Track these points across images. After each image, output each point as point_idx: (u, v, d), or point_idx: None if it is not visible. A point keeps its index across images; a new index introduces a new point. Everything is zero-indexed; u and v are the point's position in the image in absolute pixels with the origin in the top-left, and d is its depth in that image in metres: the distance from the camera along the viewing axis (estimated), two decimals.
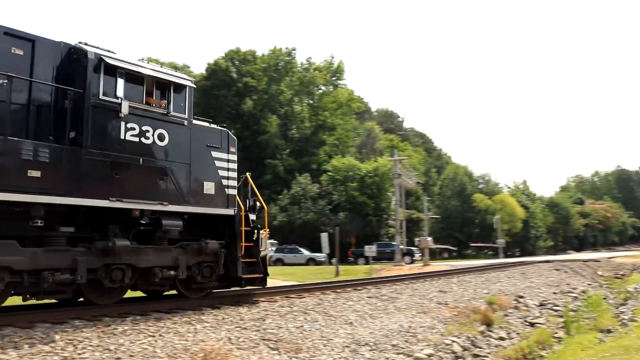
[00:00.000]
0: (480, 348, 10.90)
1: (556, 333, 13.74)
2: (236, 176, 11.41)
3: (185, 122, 10.30)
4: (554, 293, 19.31)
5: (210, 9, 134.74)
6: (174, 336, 7.82)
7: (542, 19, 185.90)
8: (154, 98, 9.90)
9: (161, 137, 9.80)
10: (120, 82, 9.28)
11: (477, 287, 16.90)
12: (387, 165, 47.27)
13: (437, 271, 21.43)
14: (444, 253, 57.46)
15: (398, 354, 9.32)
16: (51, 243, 8.35)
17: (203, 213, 10.52)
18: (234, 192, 11.26)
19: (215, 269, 10.60)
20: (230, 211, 11.00)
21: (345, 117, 55.40)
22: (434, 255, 50.44)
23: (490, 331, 12.28)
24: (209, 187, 10.64)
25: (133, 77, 9.53)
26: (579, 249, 74.06)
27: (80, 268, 8.44)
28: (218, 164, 10.90)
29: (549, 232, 72.64)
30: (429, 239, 37.73)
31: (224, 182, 10.97)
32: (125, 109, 9.09)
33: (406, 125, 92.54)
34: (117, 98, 9.13)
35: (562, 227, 75.78)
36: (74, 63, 9.14)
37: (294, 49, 53.40)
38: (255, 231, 11.67)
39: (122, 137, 9.16)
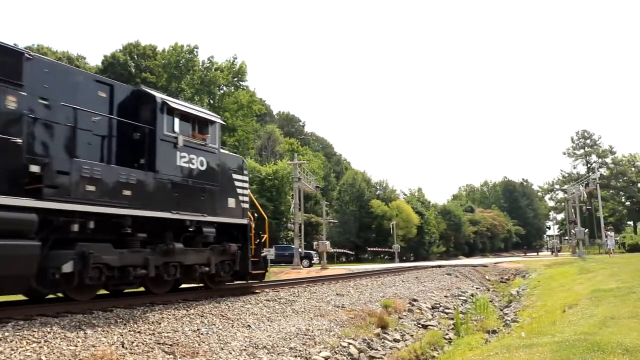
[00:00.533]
0: (376, 350, 11.12)
1: (447, 334, 14.28)
2: (248, 193, 14.46)
3: (216, 151, 13.12)
4: (446, 296, 20.10)
5: None
6: (62, 342, 7.36)
7: (443, 34, 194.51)
8: (197, 132, 12.48)
9: (201, 163, 12.50)
10: (177, 121, 11.89)
11: (373, 291, 17.26)
12: (287, 168, 47.48)
13: (335, 275, 21.75)
14: (342, 257, 58.42)
15: (296, 356, 9.33)
16: (131, 246, 10.67)
17: (227, 222, 13.33)
18: (247, 205, 14.23)
19: (232, 266, 13.54)
20: (244, 221, 13.97)
21: (246, 119, 55.14)
22: (332, 259, 51.18)
23: (386, 333, 12.56)
24: (231, 202, 13.56)
25: (184, 116, 12.16)
26: (468, 254, 77.77)
27: (150, 265, 10.93)
28: (237, 183, 13.95)
29: (442, 238, 75.71)
30: (327, 242, 38.22)
31: (240, 197, 13.96)
32: (180, 141, 11.76)
33: (307, 129, 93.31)
34: (175, 133, 11.74)
35: (453, 233, 79.21)
36: (141, 104, 11.61)
37: (196, 47, 52.44)
38: (258, 236, 14.70)
39: (177, 163, 11.75)
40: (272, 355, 9.06)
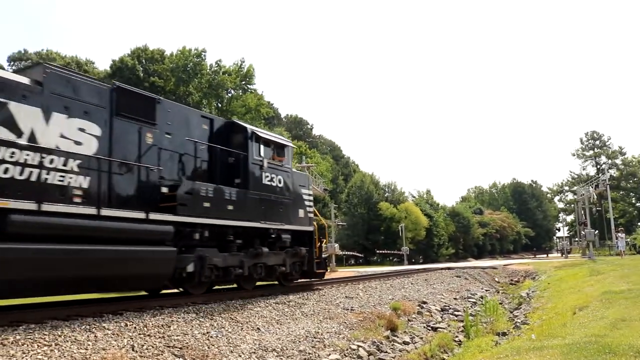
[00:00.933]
0: (386, 352, 11.11)
1: (457, 337, 14.24)
2: (312, 204, 17.15)
3: (289, 170, 15.76)
4: (455, 299, 20.04)
5: (117, 2, 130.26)
6: (72, 345, 7.41)
7: (450, 35, 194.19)
8: (275, 155, 15.08)
9: (280, 181, 15.12)
10: (262, 147, 14.49)
11: (383, 293, 17.24)
12: None
13: (344, 277, 21.72)
14: (351, 259, 58.34)
15: (305, 359, 9.34)
16: (230, 250, 13.06)
17: (298, 230, 15.88)
18: (312, 215, 16.82)
19: (302, 266, 16.13)
20: (310, 228, 16.53)
21: (254, 122, 55.20)
22: (341, 261, 51.09)
23: (395, 336, 12.55)
24: (301, 213, 16.15)
25: (267, 143, 14.80)
26: (478, 256, 77.49)
27: (245, 266, 13.34)
28: (304, 197, 16.60)
29: (451, 240, 75.48)
30: (336, 245, 38.13)
31: (307, 209, 16.60)
32: (265, 164, 14.40)
33: (315, 132, 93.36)
34: (261, 157, 14.36)
35: (462, 235, 78.96)
36: (234, 133, 14.23)
37: (204, 51, 52.51)
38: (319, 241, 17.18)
39: (263, 182, 14.38)
40: (281, 358, 9.07)
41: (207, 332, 9.35)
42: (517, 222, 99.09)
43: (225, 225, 12.84)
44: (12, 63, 43.30)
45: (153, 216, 10.84)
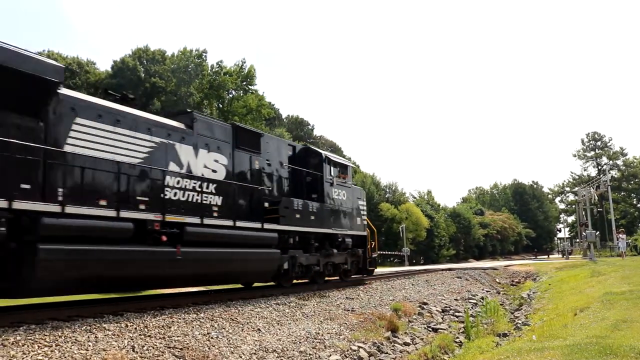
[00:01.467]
0: (386, 353, 11.10)
1: (457, 338, 14.23)
2: (366, 213, 20.86)
3: (350, 186, 19.48)
4: (456, 299, 20.03)
5: (117, 2, 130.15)
6: (73, 346, 7.40)
7: (451, 36, 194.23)
8: (340, 174, 18.61)
9: (344, 195, 18.61)
10: (332, 168, 18.09)
11: (383, 294, 17.23)
12: None
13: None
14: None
15: None
16: (310, 251, 16.32)
17: (356, 234, 19.19)
18: (365, 222, 20.38)
19: (358, 264, 19.61)
20: (365, 233, 20.00)
21: (255, 123, 55.04)
22: None
23: (396, 337, 12.54)
24: (358, 220, 19.58)
25: (335, 164, 18.50)
26: (479, 257, 77.41)
27: (320, 264, 16.80)
28: (360, 207, 20.11)
29: (452, 241, 75.38)
30: None
31: (363, 217, 20.11)
32: (334, 182, 18.01)
33: (316, 133, 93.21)
34: (331, 176, 17.95)
35: (463, 236, 78.87)
36: (310, 157, 17.78)
37: (205, 51, 52.42)
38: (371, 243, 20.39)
39: (332, 196, 17.88)
40: (282, 359, 9.06)
41: (208, 333, 9.34)
42: (518, 223, 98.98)
43: (309, 231, 16.12)
44: None
45: (267, 226, 14.19)
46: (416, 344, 12.76)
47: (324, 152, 18.12)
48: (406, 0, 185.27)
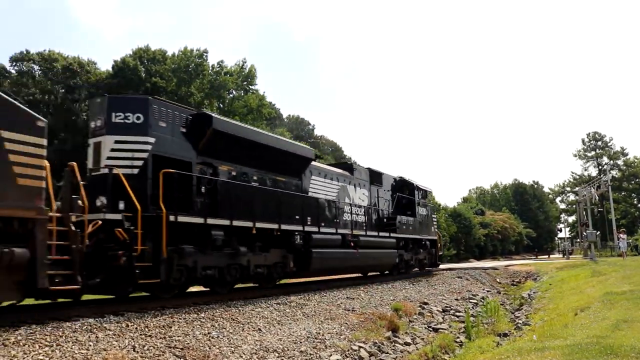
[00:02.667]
0: (387, 353, 11.11)
1: (458, 337, 14.23)
2: (437, 220, 29.96)
3: (428, 204, 27.38)
4: (456, 299, 20.04)
5: (118, 2, 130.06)
6: (74, 345, 7.40)
7: (451, 36, 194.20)
8: (423, 197, 26.31)
9: (424, 211, 26.00)
10: (419, 193, 25.60)
11: (384, 294, 17.23)
12: None
13: (345, 278, 21.64)
14: None
15: None
16: (407, 250, 23.74)
17: (430, 239, 26.66)
18: (436, 229, 28.07)
19: (431, 260, 26.97)
20: (436, 237, 27.57)
21: (256, 123, 55.02)
22: None
23: (396, 337, 12.55)
24: (432, 229, 27.33)
25: (419, 190, 25.75)
26: (479, 257, 77.34)
27: (413, 259, 24.61)
28: (433, 218, 28.09)
29: (452, 241, 75.28)
30: None
31: (435, 224, 28.06)
32: (421, 202, 25.45)
33: (316, 132, 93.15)
34: (419, 199, 25.34)
35: (464, 236, 78.72)
36: (405, 186, 25.01)
37: (205, 51, 52.44)
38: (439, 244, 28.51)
39: (419, 212, 25.16)
40: (282, 359, 9.07)
41: (208, 333, 9.35)
42: (518, 222, 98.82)
43: (408, 237, 23.51)
44: (14, 63, 43.29)
45: (393, 235, 21.78)
46: (417, 343, 12.76)
47: (415, 182, 25.70)
48: (408, 0, 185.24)
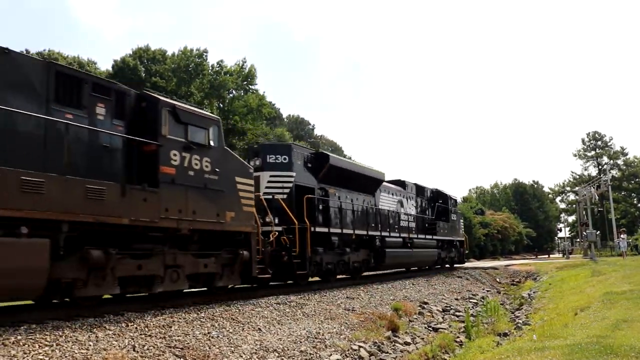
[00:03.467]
0: (387, 353, 11.11)
1: (458, 337, 14.23)
2: (463, 224, 36.14)
3: (458, 211, 34.64)
4: (456, 299, 20.06)
5: (118, 2, 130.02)
6: (73, 345, 7.39)
7: (450, 35, 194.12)
8: (454, 205, 32.71)
9: (455, 217, 32.01)
10: (450, 201, 31.50)
11: (384, 294, 17.24)
12: None
13: (345, 277, 21.66)
14: None
15: (306, 359, 9.34)
16: (443, 249, 29.78)
17: (460, 239, 32.95)
18: (462, 231, 34.00)
19: (459, 257, 32.87)
20: (463, 238, 33.35)
21: (256, 123, 54.96)
22: None
23: (396, 336, 12.55)
24: (461, 231, 33.42)
25: (451, 199, 32.07)
26: (479, 257, 77.35)
27: (447, 256, 30.45)
28: (460, 222, 34.10)
29: None
30: None
31: (462, 228, 34.13)
32: (452, 209, 31.59)
33: (316, 132, 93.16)
34: (451, 206, 31.36)
35: (464, 236, 78.75)
36: (440, 197, 30.50)
37: (205, 51, 52.45)
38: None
39: (452, 218, 31.08)
40: (282, 359, 9.07)
41: (208, 333, 9.34)
42: (518, 222, 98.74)
43: (444, 239, 29.11)
44: None
45: (435, 237, 27.40)
46: (417, 343, 12.76)
47: (448, 193, 30.94)
48: (408, 0, 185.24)
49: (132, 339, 8.17)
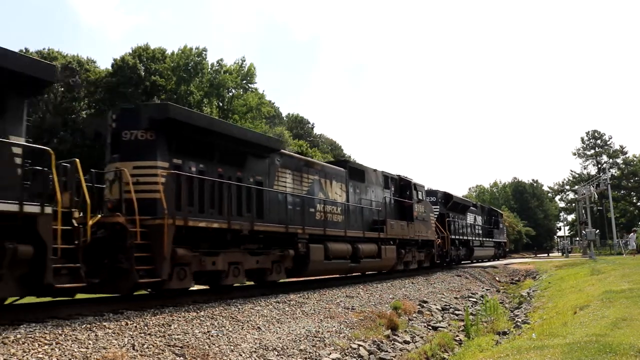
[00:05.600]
0: (386, 352, 11.11)
1: (457, 336, 14.25)
2: (506, 229, 55.91)
3: (503, 221, 50.81)
4: (456, 298, 20.05)
5: (118, 1, 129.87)
6: (73, 344, 7.40)
7: (450, 34, 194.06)
8: (500, 215, 48.66)
9: (501, 225, 47.24)
10: (500, 215, 47.64)
11: (383, 293, 17.22)
12: None
13: (344, 276, 21.66)
14: None
15: (306, 358, 9.35)
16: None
17: (504, 241, 48.54)
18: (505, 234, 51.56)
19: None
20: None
21: (255, 121, 54.98)
22: None
23: (396, 335, 12.55)
24: (504, 234, 48.84)
25: (500, 214, 48.96)
26: None
27: (494, 254, 43.36)
28: (503, 229, 49.06)
29: None
30: None
31: (504, 232, 50.00)
32: (499, 220, 46.30)
33: (316, 131, 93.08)
34: (500, 218, 47.64)
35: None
36: (492, 211, 45.72)
37: (204, 50, 52.48)
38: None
39: (500, 226, 45.98)
40: (282, 357, 9.07)
41: (208, 331, 9.35)
42: (518, 221, 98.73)
43: (498, 241, 42.54)
44: None
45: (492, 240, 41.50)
46: (416, 342, 12.77)
47: (498, 210, 42.96)
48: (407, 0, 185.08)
49: (132, 337, 8.17)
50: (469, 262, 35.90)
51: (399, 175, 23.94)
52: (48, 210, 8.45)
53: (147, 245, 10.44)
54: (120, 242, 10.21)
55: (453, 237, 29.83)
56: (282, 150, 16.02)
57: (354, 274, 20.32)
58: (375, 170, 21.83)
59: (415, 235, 23.35)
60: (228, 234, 12.39)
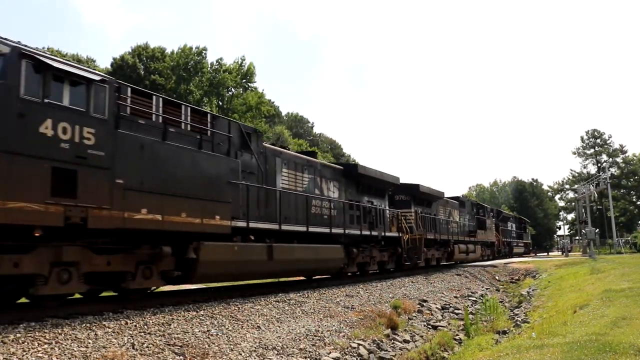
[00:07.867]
0: (386, 351, 11.11)
1: (457, 335, 14.25)
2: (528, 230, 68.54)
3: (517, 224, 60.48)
4: (455, 297, 20.05)
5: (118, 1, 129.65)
6: (73, 343, 7.39)
7: (450, 34, 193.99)
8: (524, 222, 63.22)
9: (526, 231, 65.14)
10: (524, 222, 64.48)
11: (383, 292, 17.22)
12: None
13: (345, 275, 21.66)
14: None
15: (305, 357, 9.35)
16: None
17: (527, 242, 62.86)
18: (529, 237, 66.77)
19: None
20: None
21: (255, 120, 55.00)
22: None
23: (396, 334, 12.55)
24: (528, 237, 66.69)
25: (524, 221, 64.81)
26: None
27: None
28: (527, 232, 66.96)
29: None
30: None
31: (525, 233, 64.93)
32: (524, 226, 63.64)
33: (316, 130, 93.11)
34: (522, 224, 63.23)
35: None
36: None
37: (204, 49, 52.46)
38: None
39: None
40: (282, 356, 9.07)
41: (208, 331, 9.34)
42: None
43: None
44: None
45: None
46: (416, 341, 12.77)
47: (515, 215, 52.31)
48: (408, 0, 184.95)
49: (132, 336, 8.17)
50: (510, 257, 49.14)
51: (477, 202, 38.38)
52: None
53: None
54: None
55: (504, 239, 48.49)
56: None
57: (351, 274, 20.26)
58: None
59: (487, 239, 40.28)
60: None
